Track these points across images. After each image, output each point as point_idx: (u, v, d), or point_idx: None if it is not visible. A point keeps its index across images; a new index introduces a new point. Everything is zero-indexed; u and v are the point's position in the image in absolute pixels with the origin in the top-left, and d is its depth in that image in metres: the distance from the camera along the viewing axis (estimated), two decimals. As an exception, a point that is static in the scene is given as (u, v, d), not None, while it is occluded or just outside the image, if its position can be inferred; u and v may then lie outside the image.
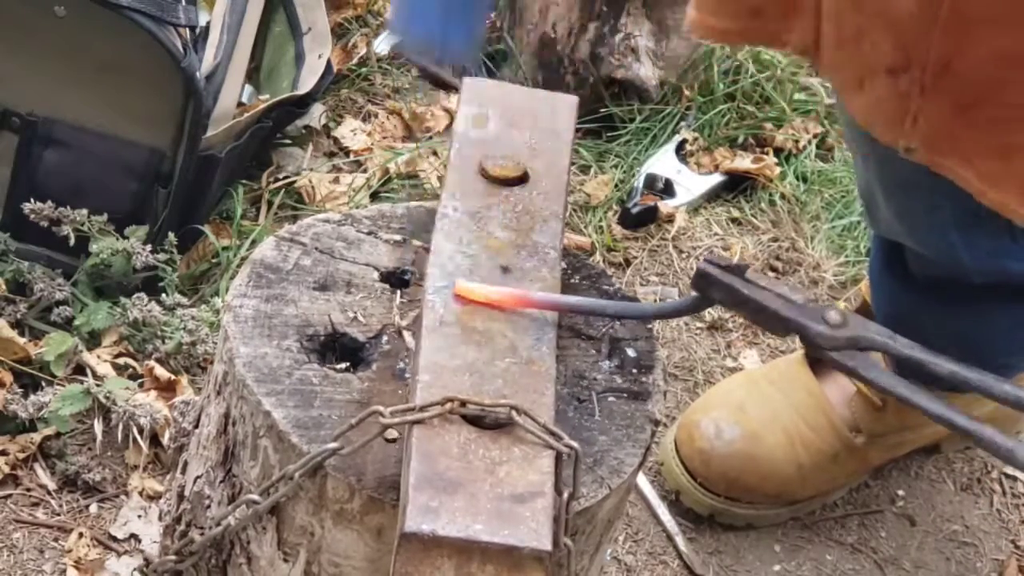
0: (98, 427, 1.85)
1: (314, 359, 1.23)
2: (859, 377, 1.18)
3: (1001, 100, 1.33)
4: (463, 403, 1.11)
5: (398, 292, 1.31)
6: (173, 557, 1.27)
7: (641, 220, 2.36)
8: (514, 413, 1.11)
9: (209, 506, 1.27)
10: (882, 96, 1.39)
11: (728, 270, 1.18)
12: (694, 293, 1.21)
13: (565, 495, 1.10)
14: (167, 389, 1.90)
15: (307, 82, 2.27)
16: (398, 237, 1.36)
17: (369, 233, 1.36)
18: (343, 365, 1.23)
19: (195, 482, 1.30)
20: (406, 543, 1.04)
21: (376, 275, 1.32)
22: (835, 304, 1.16)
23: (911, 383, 1.17)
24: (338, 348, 1.25)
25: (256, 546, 1.23)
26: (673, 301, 1.21)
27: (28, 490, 1.83)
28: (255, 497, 1.18)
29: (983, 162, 1.38)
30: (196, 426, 1.34)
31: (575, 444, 1.11)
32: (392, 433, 1.15)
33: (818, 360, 1.92)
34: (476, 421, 1.12)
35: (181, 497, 1.33)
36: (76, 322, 1.94)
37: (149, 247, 1.97)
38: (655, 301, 2.23)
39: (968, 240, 1.69)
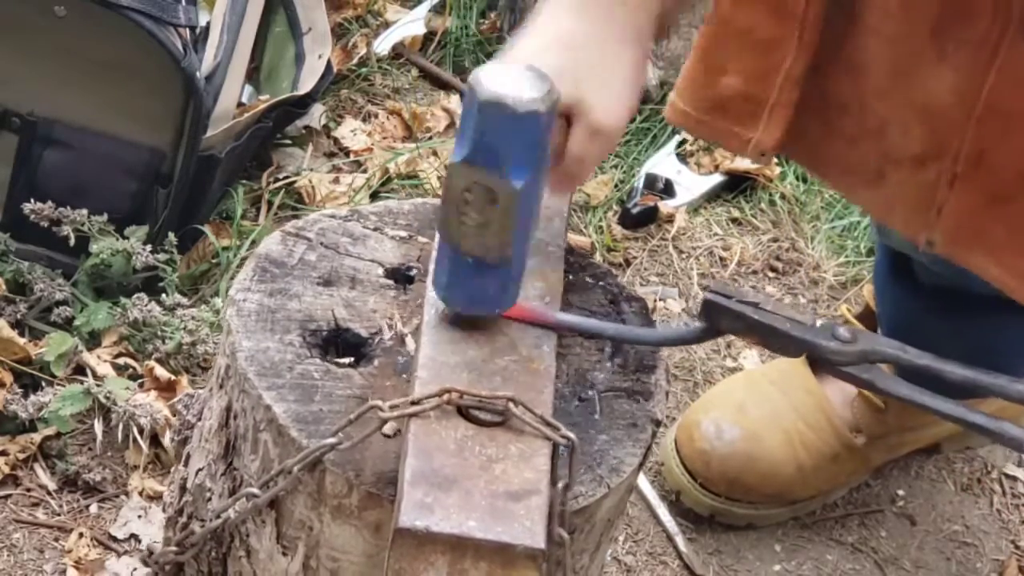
0: (98, 427, 1.85)
1: (316, 354, 1.23)
2: (876, 390, 1.20)
3: None
4: (461, 395, 1.11)
5: (402, 288, 1.31)
6: (174, 548, 1.27)
7: (641, 220, 2.36)
8: (511, 404, 1.11)
9: (210, 499, 1.27)
10: (905, 186, 1.37)
11: (735, 298, 1.19)
12: (699, 323, 1.22)
13: (560, 485, 1.10)
14: (167, 389, 1.90)
15: (307, 82, 2.27)
16: (404, 233, 1.36)
17: (375, 229, 1.36)
18: (345, 360, 1.23)
19: (197, 475, 1.30)
20: (400, 538, 1.04)
21: (381, 271, 1.32)
22: (842, 321, 1.18)
23: (926, 391, 1.18)
24: (340, 343, 1.25)
25: (255, 539, 1.23)
26: (678, 329, 1.22)
27: (28, 490, 1.82)
28: (255, 490, 1.18)
29: (1013, 258, 1.36)
30: (199, 419, 1.34)
31: (571, 435, 1.11)
32: (390, 429, 1.15)
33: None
34: (473, 417, 1.12)
35: (183, 489, 1.33)
36: (76, 322, 1.94)
37: (149, 247, 1.97)
38: (655, 302, 2.23)
39: None
